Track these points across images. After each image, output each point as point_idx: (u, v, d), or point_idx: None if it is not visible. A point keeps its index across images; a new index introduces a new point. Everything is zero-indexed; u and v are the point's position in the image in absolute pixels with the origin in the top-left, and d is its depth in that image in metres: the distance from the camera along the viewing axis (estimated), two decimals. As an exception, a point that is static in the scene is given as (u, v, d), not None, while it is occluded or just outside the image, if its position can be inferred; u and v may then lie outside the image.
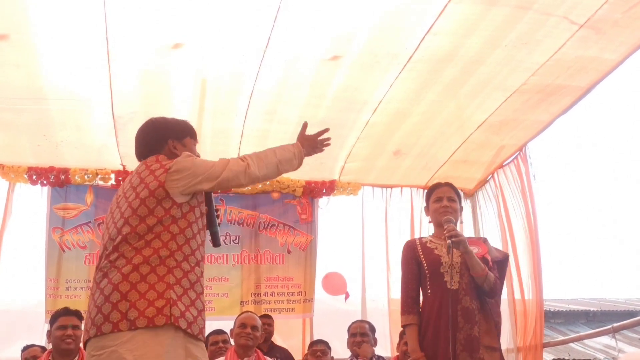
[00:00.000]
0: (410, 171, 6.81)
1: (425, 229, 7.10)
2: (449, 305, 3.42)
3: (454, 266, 3.51)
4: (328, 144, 3.17)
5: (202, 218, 2.80)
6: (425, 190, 7.00)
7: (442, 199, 3.74)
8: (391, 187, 7.14)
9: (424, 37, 4.60)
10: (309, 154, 3.16)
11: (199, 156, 2.94)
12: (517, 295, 6.43)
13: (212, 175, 2.76)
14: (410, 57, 4.83)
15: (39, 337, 5.74)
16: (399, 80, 5.11)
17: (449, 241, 3.41)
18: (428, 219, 6.92)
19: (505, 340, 6.58)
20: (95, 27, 4.48)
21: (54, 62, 4.85)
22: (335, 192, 6.98)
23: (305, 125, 3.17)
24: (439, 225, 3.70)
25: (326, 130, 3.19)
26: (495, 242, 6.81)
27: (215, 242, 2.89)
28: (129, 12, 4.38)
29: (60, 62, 4.86)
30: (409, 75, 5.05)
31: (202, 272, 2.75)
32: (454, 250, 3.41)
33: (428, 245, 3.71)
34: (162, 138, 2.96)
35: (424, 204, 4.01)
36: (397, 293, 6.96)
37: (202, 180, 2.75)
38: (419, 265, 3.66)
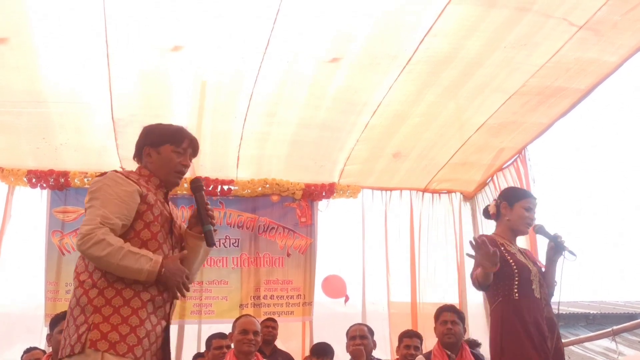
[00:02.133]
0: (409, 174, 6.81)
1: (425, 232, 7.12)
2: (537, 314, 3.42)
3: (538, 275, 3.52)
4: (187, 289, 2.64)
5: (144, 231, 2.57)
6: (424, 193, 7.11)
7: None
8: (391, 189, 7.13)
9: (423, 38, 4.60)
10: (168, 281, 2.52)
11: (182, 161, 2.74)
12: (518, 298, 6.40)
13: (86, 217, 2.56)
14: (410, 59, 4.83)
15: (38, 340, 5.72)
16: (398, 82, 5.12)
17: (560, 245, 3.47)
18: (427, 222, 7.09)
19: (505, 343, 6.55)
20: (95, 30, 4.49)
21: (54, 65, 4.85)
22: (334, 195, 6.97)
23: (183, 255, 2.64)
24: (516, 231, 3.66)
25: (192, 281, 2.74)
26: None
27: (208, 242, 2.71)
28: (128, 14, 4.39)
29: (60, 65, 4.86)
30: (409, 77, 5.05)
31: (145, 286, 2.50)
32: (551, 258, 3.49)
33: (508, 247, 3.60)
34: (141, 145, 2.81)
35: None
36: (397, 296, 7.05)
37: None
38: (502, 264, 3.47)
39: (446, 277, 7.11)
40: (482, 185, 7.11)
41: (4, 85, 5.04)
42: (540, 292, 3.50)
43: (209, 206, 2.76)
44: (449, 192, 7.30)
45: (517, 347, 3.36)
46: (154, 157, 2.74)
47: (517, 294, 3.45)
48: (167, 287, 2.55)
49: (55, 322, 4.61)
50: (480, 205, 7.20)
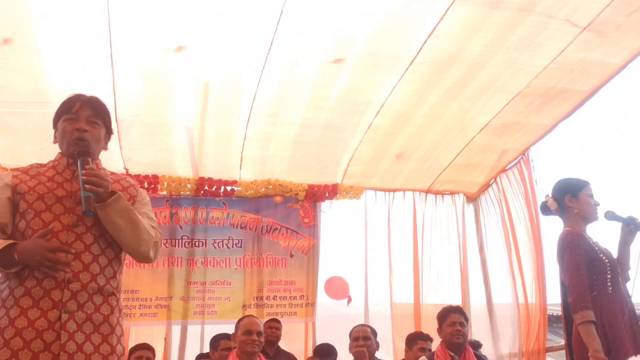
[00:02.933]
0: (413, 175, 6.80)
1: (428, 233, 7.11)
2: (627, 306, 3.40)
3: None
4: (54, 266, 2.26)
5: (21, 221, 2.36)
6: (427, 194, 7.11)
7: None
8: (394, 190, 7.12)
9: (426, 39, 4.60)
10: (28, 263, 2.25)
11: (75, 126, 2.44)
12: (521, 300, 6.42)
13: None
14: (413, 60, 4.83)
15: None
16: (401, 82, 5.11)
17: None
18: (430, 223, 7.08)
19: (508, 345, 6.57)
20: (99, 31, 4.49)
21: (58, 66, 4.86)
22: (337, 195, 6.96)
23: (44, 232, 2.29)
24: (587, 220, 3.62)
25: (68, 252, 2.31)
26: (500, 246, 6.82)
27: (83, 209, 2.31)
28: (132, 15, 4.39)
29: (64, 66, 4.87)
30: (412, 77, 5.05)
31: (20, 281, 2.28)
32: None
33: (594, 240, 3.57)
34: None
35: None
36: (399, 297, 7.05)
37: None
38: (594, 258, 3.47)
39: (449, 279, 7.10)
40: (485, 186, 7.11)
41: (7, 86, 5.04)
42: (623, 285, 3.49)
43: (94, 172, 2.33)
44: (452, 193, 7.28)
45: (617, 341, 3.31)
46: (56, 136, 2.53)
47: (610, 288, 3.43)
48: (40, 271, 2.26)
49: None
50: (484, 206, 7.20)
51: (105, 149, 2.60)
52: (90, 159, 2.40)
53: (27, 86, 5.07)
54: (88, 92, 5.01)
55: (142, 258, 2.48)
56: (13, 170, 2.52)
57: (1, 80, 4.97)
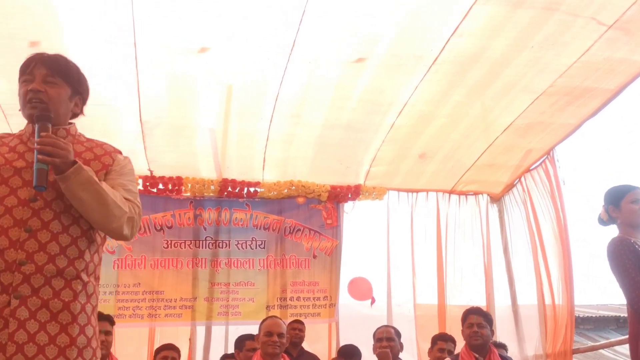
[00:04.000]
0: (436, 175, 6.77)
1: (452, 234, 7.08)
2: None
3: None
4: None
5: None
6: (451, 195, 7.06)
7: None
8: (417, 191, 7.10)
9: (449, 38, 4.58)
10: None
11: (29, 87, 2.20)
12: (548, 301, 6.36)
13: None
14: (436, 59, 4.81)
15: (68, 340, 5.80)
16: (424, 82, 5.10)
17: None
18: (454, 223, 7.03)
19: (534, 347, 6.51)
20: (124, 33, 4.54)
21: (83, 68, 4.87)
22: (360, 196, 6.95)
23: None
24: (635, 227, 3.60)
25: None
26: (525, 247, 6.77)
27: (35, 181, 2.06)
28: (156, 18, 4.44)
29: (89, 68, 4.86)
30: (434, 77, 5.03)
31: None
32: None
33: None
34: None
35: None
36: (423, 298, 7.02)
37: None
38: None
39: (473, 280, 7.06)
40: (510, 186, 7.05)
41: (35, 89, 5.11)
42: None
43: (50, 140, 2.07)
44: (475, 193, 7.23)
45: None
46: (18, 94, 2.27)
47: None
48: None
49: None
50: (508, 207, 7.14)
51: (79, 112, 2.39)
52: (49, 124, 2.14)
53: (53, 89, 5.13)
54: (114, 95, 5.21)
55: (116, 235, 2.22)
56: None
57: (28, 84, 5.04)
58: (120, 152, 2.41)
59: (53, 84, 2.22)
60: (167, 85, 5.19)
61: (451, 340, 5.42)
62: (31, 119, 2.21)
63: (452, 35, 4.53)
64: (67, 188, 2.08)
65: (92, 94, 5.21)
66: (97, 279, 2.26)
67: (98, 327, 4.50)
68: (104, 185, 2.15)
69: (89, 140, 2.37)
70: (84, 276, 2.14)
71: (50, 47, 4.58)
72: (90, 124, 5.62)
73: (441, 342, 5.39)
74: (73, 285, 2.11)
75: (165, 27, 4.53)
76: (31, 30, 4.51)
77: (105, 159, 2.31)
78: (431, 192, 7.15)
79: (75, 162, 2.08)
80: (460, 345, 5.12)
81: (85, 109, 5.51)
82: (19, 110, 2.27)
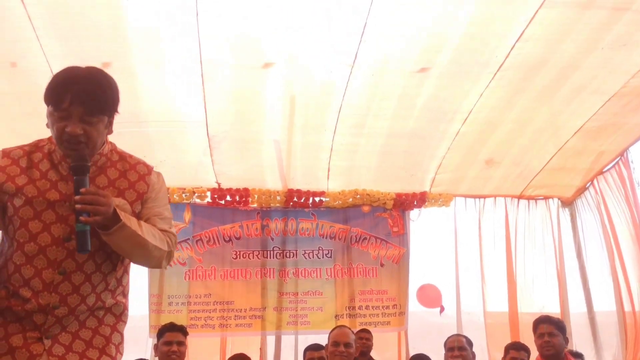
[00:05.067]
0: (503, 180, 6.66)
1: (521, 239, 6.93)
2: None
3: None
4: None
5: (10, 226, 2.08)
6: (520, 200, 6.92)
7: None
8: (484, 197, 6.98)
9: (514, 44, 4.52)
10: None
11: (66, 128, 1.98)
12: (627, 307, 6.13)
13: None
14: (501, 65, 4.75)
15: (144, 350, 5.98)
16: (489, 89, 5.04)
17: None
18: (523, 229, 6.88)
19: (613, 355, 6.30)
20: (190, 51, 4.67)
21: (152, 87, 5.09)
22: (426, 203, 6.88)
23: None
24: None
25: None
26: (599, 251, 6.57)
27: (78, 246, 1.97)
28: (221, 35, 4.55)
29: (158, 86, 5.10)
30: (500, 83, 4.96)
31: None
32: None
33: None
34: None
35: None
36: (493, 306, 6.89)
37: None
38: None
39: (545, 286, 6.88)
40: (582, 190, 6.85)
41: (107, 108, 5.31)
42: None
43: (90, 196, 1.94)
44: (545, 198, 7.06)
45: None
46: (47, 120, 2.07)
47: None
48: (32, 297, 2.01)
49: (162, 333, 4.86)
50: (580, 210, 6.94)
51: (110, 132, 2.17)
52: (87, 178, 1.99)
53: (125, 107, 5.24)
54: (181, 111, 5.35)
55: (152, 268, 2.25)
56: (4, 154, 2.10)
57: (101, 103, 5.24)
58: (151, 170, 2.25)
59: (91, 123, 2.01)
60: (232, 100, 5.30)
61: (524, 349, 5.30)
62: (64, 154, 2.06)
63: (517, 40, 4.46)
64: (110, 240, 2.01)
65: (162, 111, 5.43)
66: (125, 295, 2.23)
67: (173, 337, 4.67)
68: (144, 228, 2.07)
69: (121, 158, 2.21)
70: (109, 302, 2.13)
71: (121, 67, 4.80)
72: (160, 139, 5.88)
73: (514, 352, 5.28)
74: (99, 314, 2.10)
75: (230, 45, 4.64)
76: (103, 51, 4.69)
77: (140, 186, 2.18)
78: (499, 198, 7.02)
79: (117, 217, 1.97)
80: (535, 354, 5.01)
81: (156, 125, 5.73)
82: (47, 126, 2.09)
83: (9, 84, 4.92)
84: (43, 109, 5.43)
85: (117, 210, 1.98)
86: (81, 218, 1.91)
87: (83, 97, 1.96)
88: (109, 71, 4.98)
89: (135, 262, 2.17)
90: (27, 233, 2.00)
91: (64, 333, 2.02)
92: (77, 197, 1.92)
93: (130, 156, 2.25)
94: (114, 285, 2.14)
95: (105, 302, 2.10)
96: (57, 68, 4.65)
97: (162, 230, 2.15)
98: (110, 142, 2.20)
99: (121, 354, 2.16)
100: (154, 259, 2.12)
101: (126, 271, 2.22)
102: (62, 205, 2.03)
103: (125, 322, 2.21)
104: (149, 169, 2.24)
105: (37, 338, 1.99)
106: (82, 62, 4.64)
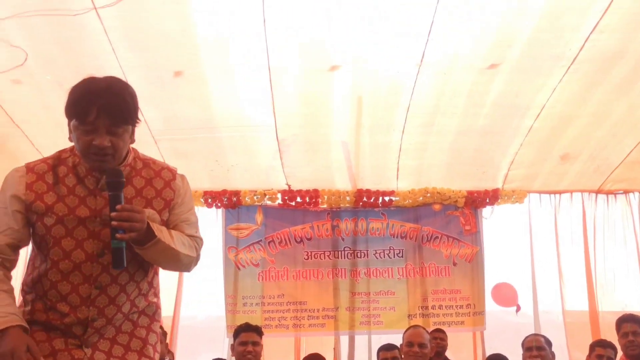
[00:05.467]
0: (580, 175, 6.45)
1: (600, 235, 6.70)
2: None
3: None
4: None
5: (42, 244, 2.10)
6: (598, 195, 6.68)
7: None
8: (560, 192, 6.78)
9: (588, 36, 4.38)
10: None
11: (94, 141, 1.95)
12: None
13: None
14: (575, 58, 4.62)
15: (220, 349, 6.13)
16: (563, 82, 4.91)
17: None
18: (602, 224, 6.64)
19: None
20: (258, 58, 4.77)
21: (223, 93, 5.21)
22: (499, 200, 6.73)
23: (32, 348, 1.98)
24: None
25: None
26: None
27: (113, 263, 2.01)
28: (287, 40, 4.63)
29: (228, 93, 5.22)
30: (574, 77, 4.83)
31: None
32: None
33: None
34: None
35: None
36: (573, 304, 6.68)
37: None
38: None
39: (627, 283, 6.64)
40: (664, 183, 6.56)
41: (179, 115, 5.48)
42: None
43: (126, 213, 1.94)
44: (625, 192, 6.80)
45: None
46: (70, 134, 2.05)
47: None
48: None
49: (238, 333, 4.97)
50: (663, 205, 6.65)
51: (133, 141, 2.12)
52: (122, 193, 1.99)
53: (197, 114, 5.48)
54: (251, 116, 5.46)
55: (179, 271, 2.32)
56: (28, 169, 2.08)
57: (174, 110, 5.42)
58: (175, 175, 2.20)
59: (117, 134, 1.99)
60: (300, 103, 5.37)
61: (611, 347, 5.11)
62: (91, 168, 2.05)
63: (591, 32, 4.32)
64: (144, 254, 2.04)
65: (233, 117, 5.56)
66: (157, 294, 2.26)
67: (248, 337, 4.75)
68: (175, 238, 2.08)
69: (145, 165, 2.16)
70: (142, 305, 2.16)
71: (192, 75, 4.95)
72: (232, 144, 6.01)
73: (599, 349, 5.10)
74: (133, 317, 2.14)
75: (297, 50, 4.71)
76: (175, 61, 4.86)
77: (167, 193, 2.15)
78: (576, 193, 6.81)
79: (151, 232, 1.98)
80: (620, 354, 4.85)
81: (228, 131, 5.86)
82: (69, 139, 2.07)
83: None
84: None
85: (151, 225, 1.99)
86: (117, 235, 1.92)
87: (109, 109, 1.94)
88: (181, 80, 5.20)
89: (165, 269, 2.20)
90: (60, 251, 2.02)
91: (102, 340, 2.07)
92: (113, 214, 1.93)
93: (154, 161, 2.21)
94: (146, 289, 2.17)
95: (139, 306, 2.15)
96: (133, 79, 4.90)
97: (189, 236, 2.17)
98: (133, 149, 2.18)
99: (159, 352, 2.21)
100: (183, 266, 2.17)
101: (156, 273, 2.25)
102: (93, 221, 2.04)
103: (159, 321, 2.25)
104: (174, 174, 2.20)
105: (77, 345, 2.05)
106: (155, 72, 4.85)
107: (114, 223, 1.91)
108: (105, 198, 2.02)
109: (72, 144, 2.08)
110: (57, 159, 2.10)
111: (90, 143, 1.96)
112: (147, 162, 2.18)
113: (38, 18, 4.27)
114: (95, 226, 2.03)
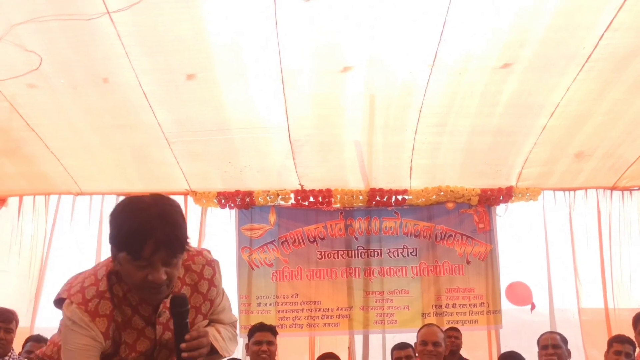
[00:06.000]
0: (595, 173, 6.41)
1: (616, 232, 6.66)
2: None
3: None
4: None
5: None
6: (613, 192, 6.62)
7: None
8: (574, 190, 6.74)
9: (602, 34, 4.35)
10: None
11: (150, 276, 1.86)
12: None
13: None
14: (589, 57, 4.58)
15: (235, 349, 6.14)
16: (577, 81, 4.88)
17: None
18: (618, 221, 6.59)
19: None
20: (271, 59, 4.76)
21: (235, 95, 5.22)
22: (513, 198, 6.70)
23: None
24: None
25: None
26: None
27: None
28: (300, 42, 4.62)
29: (241, 95, 5.22)
30: (588, 75, 4.79)
31: None
32: None
33: None
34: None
35: None
36: (589, 302, 6.64)
37: None
38: None
39: (642, 280, 6.60)
40: (680, 179, 6.50)
41: (193, 117, 5.50)
42: None
43: (195, 342, 1.93)
44: (641, 188, 6.75)
45: None
46: (118, 264, 1.92)
47: None
48: None
49: (253, 332, 4.99)
50: (680, 200, 6.60)
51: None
52: (188, 322, 1.95)
53: (210, 116, 5.50)
54: (264, 117, 5.47)
55: None
56: (90, 314, 1.94)
57: (188, 112, 5.44)
58: (215, 268, 2.12)
59: (172, 264, 1.89)
60: (313, 105, 5.36)
61: (629, 342, 5.05)
62: (145, 300, 1.99)
63: (606, 30, 4.28)
64: None
65: (246, 119, 5.57)
66: None
67: (263, 337, 4.78)
68: (226, 340, 2.11)
69: (187, 269, 2.06)
70: None
71: (205, 78, 4.97)
72: (245, 146, 6.02)
73: (617, 345, 5.05)
74: None
75: (309, 51, 4.69)
76: (188, 64, 4.87)
77: (211, 293, 2.10)
78: (590, 190, 6.77)
79: (214, 350, 2.00)
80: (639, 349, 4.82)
81: (240, 132, 5.89)
82: (113, 266, 1.98)
83: (102, 99, 5.19)
84: (132, 121, 5.69)
85: (214, 344, 1.99)
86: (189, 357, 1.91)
87: (166, 242, 1.83)
88: (194, 83, 5.22)
89: None
90: None
91: None
92: (183, 346, 1.89)
93: (193, 260, 2.08)
94: None
95: None
96: (146, 82, 4.93)
97: (230, 324, 2.20)
98: None
99: None
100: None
101: None
102: (152, 350, 2.02)
103: None
104: (214, 269, 2.11)
105: None
106: (169, 75, 4.86)
107: (184, 355, 1.89)
108: (162, 324, 1.99)
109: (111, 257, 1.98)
110: (106, 286, 1.97)
111: (145, 278, 1.85)
112: (188, 266, 2.06)
113: (52, 23, 4.30)
114: (155, 352, 2.02)
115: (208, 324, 2.13)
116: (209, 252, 2.16)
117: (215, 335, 2.05)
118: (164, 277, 1.86)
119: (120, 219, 1.86)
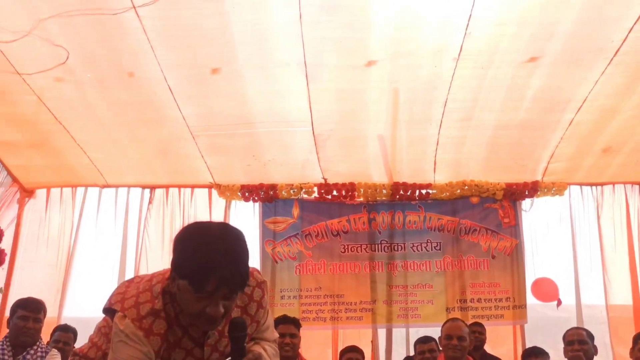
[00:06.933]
0: (623, 168, 6.30)
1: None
2: None
3: None
4: None
5: None
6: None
7: None
8: (602, 184, 6.64)
9: (632, 27, 4.27)
10: None
11: (207, 309, 1.86)
12: None
13: None
14: (617, 50, 4.51)
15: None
16: (605, 75, 4.80)
17: None
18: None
19: None
20: (294, 54, 4.77)
21: (260, 90, 5.24)
22: (538, 193, 6.62)
23: None
24: None
25: None
26: None
27: None
28: (324, 37, 4.61)
29: (265, 89, 5.24)
30: (617, 69, 4.72)
31: None
32: None
33: None
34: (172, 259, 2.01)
35: None
36: (616, 298, 6.55)
37: None
38: None
39: (673, 277, 6.48)
40: None
41: (217, 111, 5.53)
42: None
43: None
44: (670, 183, 6.62)
45: None
46: (176, 288, 1.92)
47: None
48: None
49: (276, 325, 4.98)
50: None
51: None
52: (245, 346, 2.01)
53: (234, 110, 5.52)
54: (288, 111, 5.47)
55: None
56: (145, 331, 1.95)
57: (213, 107, 5.47)
58: (264, 290, 2.15)
59: (232, 299, 1.90)
60: (336, 99, 5.35)
61: None
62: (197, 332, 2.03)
63: (635, 23, 4.21)
64: None
65: (270, 113, 5.58)
66: None
67: (286, 330, 4.81)
68: (271, 357, 2.13)
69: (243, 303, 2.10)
70: None
71: (230, 72, 4.98)
72: (269, 140, 6.04)
73: None
74: None
75: (333, 46, 4.68)
76: (212, 58, 4.90)
77: (259, 315, 2.12)
78: (618, 185, 6.66)
79: None
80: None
81: (264, 126, 5.90)
82: (171, 289, 1.97)
83: (127, 93, 5.24)
84: (157, 115, 5.70)
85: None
86: None
87: (230, 281, 1.83)
88: (218, 76, 5.25)
89: None
90: None
91: None
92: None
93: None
94: None
95: None
96: (171, 76, 4.97)
97: (273, 341, 2.21)
98: None
99: None
100: None
101: None
102: None
103: None
104: (263, 290, 2.12)
105: None
106: (194, 70, 4.89)
107: None
108: (210, 345, 2.02)
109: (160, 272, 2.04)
110: (164, 310, 1.98)
111: (203, 310, 1.86)
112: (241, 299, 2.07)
113: (79, 17, 4.35)
114: None
115: (253, 341, 2.14)
116: (258, 272, 2.16)
117: (264, 356, 2.05)
118: (222, 311, 1.87)
119: (186, 249, 1.87)
